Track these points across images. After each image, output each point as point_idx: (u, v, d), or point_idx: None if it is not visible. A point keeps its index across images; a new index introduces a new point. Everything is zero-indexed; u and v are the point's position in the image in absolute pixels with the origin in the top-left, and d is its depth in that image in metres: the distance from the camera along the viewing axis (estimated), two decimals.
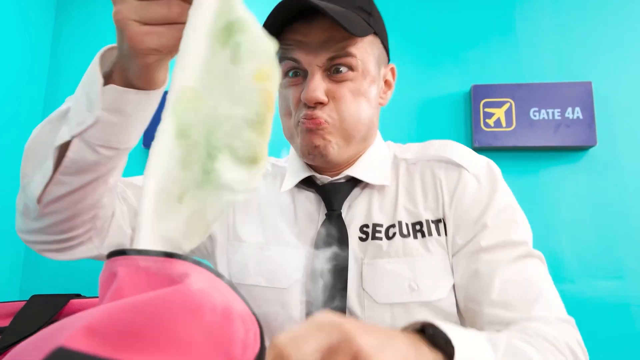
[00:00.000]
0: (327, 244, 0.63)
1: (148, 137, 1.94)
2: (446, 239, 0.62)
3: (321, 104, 0.60)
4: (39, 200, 0.50)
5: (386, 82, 0.70)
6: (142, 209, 0.33)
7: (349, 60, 0.60)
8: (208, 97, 0.34)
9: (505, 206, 0.63)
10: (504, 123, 1.77)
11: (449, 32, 1.91)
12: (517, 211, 0.64)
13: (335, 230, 0.63)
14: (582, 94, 1.75)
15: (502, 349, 0.43)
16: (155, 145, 0.34)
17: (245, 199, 0.67)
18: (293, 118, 0.63)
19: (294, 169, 0.70)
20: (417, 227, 0.63)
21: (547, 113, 1.75)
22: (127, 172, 2.19)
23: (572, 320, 0.56)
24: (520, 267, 0.58)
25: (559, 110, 1.75)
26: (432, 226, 0.62)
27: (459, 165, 0.65)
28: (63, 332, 0.21)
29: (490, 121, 1.78)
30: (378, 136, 0.72)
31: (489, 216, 0.61)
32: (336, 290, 0.60)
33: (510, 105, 1.78)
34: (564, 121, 1.74)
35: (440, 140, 0.71)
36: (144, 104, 0.46)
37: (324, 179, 0.67)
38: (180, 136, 0.34)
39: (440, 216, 0.63)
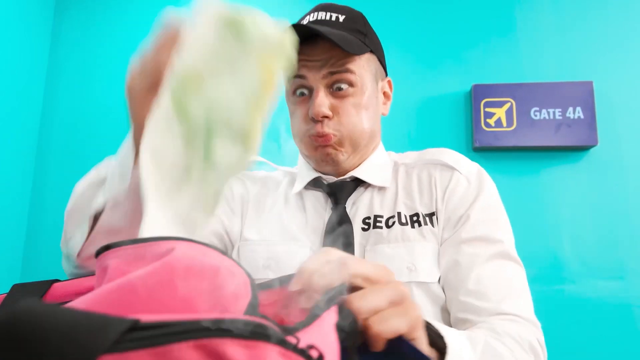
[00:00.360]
0: (334, 233, 0.69)
1: None
2: (440, 231, 0.69)
3: (327, 117, 0.68)
4: (79, 255, 0.55)
5: (385, 94, 0.78)
6: (146, 185, 0.33)
7: (348, 76, 0.67)
8: (210, 78, 0.35)
9: (489, 206, 0.69)
10: (504, 123, 1.77)
11: (449, 32, 1.91)
12: (500, 213, 0.69)
13: (341, 221, 0.70)
14: (583, 94, 1.74)
15: (480, 347, 0.50)
16: (151, 120, 0.34)
17: (257, 202, 0.76)
18: (303, 130, 0.71)
19: (302, 173, 0.77)
20: (415, 217, 0.70)
21: (548, 113, 1.75)
22: None
23: (538, 323, 0.61)
24: (499, 265, 0.64)
25: (560, 110, 1.75)
26: (427, 218, 0.70)
27: (452, 168, 0.72)
28: None
29: (491, 121, 1.77)
30: (380, 144, 0.79)
31: (473, 211, 0.67)
32: None
33: (511, 104, 1.78)
34: (565, 121, 1.73)
35: (436, 148, 0.78)
36: None
37: (330, 179, 0.75)
38: (181, 113, 0.35)
39: (433, 210, 0.70)
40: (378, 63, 0.74)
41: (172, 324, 0.19)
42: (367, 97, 0.70)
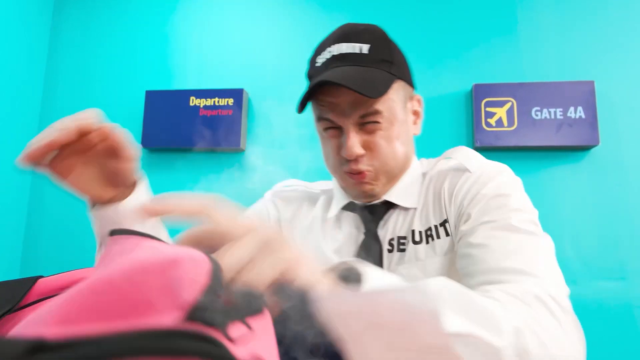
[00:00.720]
0: (363, 256, 0.71)
1: (147, 137, 1.93)
2: (453, 237, 0.67)
3: (360, 156, 0.68)
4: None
5: (414, 113, 0.76)
6: None
7: (377, 116, 0.66)
8: None
9: (495, 195, 0.64)
10: (505, 122, 1.76)
11: (450, 31, 1.90)
12: (511, 199, 0.63)
13: (371, 247, 0.72)
14: (585, 93, 1.74)
15: (434, 287, 0.41)
16: None
17: (293, 224, 0.80)
18: (336, 165, 0.71)
19: (337, 197, 0.78)
20: (428, 232, 0.70)
21: (549, 112, 1.74)
22: None
23: (558, 283, 0.53)
24: (503, 234, 0.58)
25: (561, 109, 1.74)
26: (440, 229, 0.69)
27: (464, 169, 0.70)
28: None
29: (492, 120, 1.77)
30: (414, 160, 0.78)
31: (474, 206, 0.64)
32: None
33: (512, 104, 1.77)
34: (566, 121, 1.73)
35: (451, 148, 0.76)
36: (107, 217, 0.58)
37: (361, 203, 0.75)
38: None
39: (445, 217, 0.69)
40: (406, 86, 0.72)
41: (78, 344, 0.18)
42: (398, 126, 0.69)
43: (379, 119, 0.66)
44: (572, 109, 1.73)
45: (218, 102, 1.91)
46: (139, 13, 2.09)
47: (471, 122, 1.81)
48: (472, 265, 0.58)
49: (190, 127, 1.91)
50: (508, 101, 1.77)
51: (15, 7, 1.92)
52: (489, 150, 1.80)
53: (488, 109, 1.78)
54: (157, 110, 1.94)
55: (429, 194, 0.73)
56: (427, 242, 0.69)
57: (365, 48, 0.67)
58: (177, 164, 1.96)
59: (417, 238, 0.70)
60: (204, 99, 1.92)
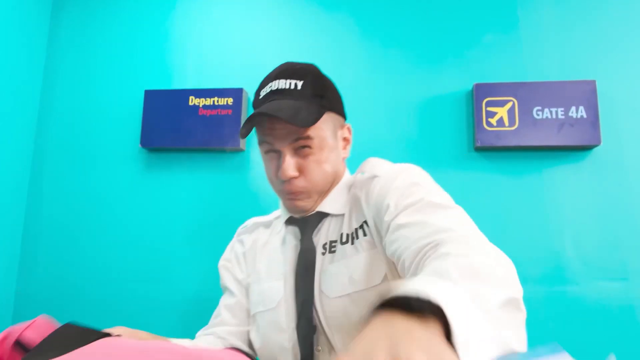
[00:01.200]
0: (300, 261, 0.84)
1: (146, 136, 1.92)
2: (372, 236, 0.78)
3: (294, 177, 0.79)
4: None
5: (344, 139, 0.89)
6: None
7: (308, 141, 0.78)
8: None
9: (408, 184, 0.73)
10: (506, 122, 1.75)
11: (451, 30, 1.89)
12: (422, 186, 0.73)
13: (307, 253, 0.84)
14: (586, 93, 1.73)
15: (454, 275, 0.46)
16: None
17: (255, 250, 0.94)
18: (276, 185, 0.84)
19: (283, 213, 0.92)
20: (352, 234, 0.81)
21: (551, 112, 1.73)
22: (126, 171, 2.16)
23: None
24: (425, 210, 0.67)
25: (562, 109, 1.73)
26: (359, 231, 0.80)
27: (373, 176, 0.82)
28: None
29: (493, 120, 1.76)
30: (345, 174, 0.91)
31: (391, 198, 0.73)
32: (306, 296, 0.81)
33: (513, 104, 1.76)
34: (568, 120, 1.72)
35: (363, 162, 0.89)
36: None
37: (299, 216, 0.88)
38: None
39: (363, 219, 0.81)
40: (336, 116, 0.84)
41: None
42: (327, 151, 0.81)
43: (310, 144, 0.78)
44: (573, 108, 1.72)
45: (217, 101, 1.90)
46: (137, 12, 2.09)
47: (472, 122, 1.81)
48: (405, 241, 0.64)
49: (189, 127, 1.90)
50: (509, 101, 1.76)
51: (14, 6, 1.91)
52: (489, 150, 1.79)
53: (489, 109, 1.77)
54: (156, 110, 1.93)
55: (351, 204, 0.85)
56: (352, 243, 0.80)
57: (299, 84, 0.79)
58: (176, 163, 1.95)
59: (344, 239, 0.82)
60: (203, 99, 1.91)
